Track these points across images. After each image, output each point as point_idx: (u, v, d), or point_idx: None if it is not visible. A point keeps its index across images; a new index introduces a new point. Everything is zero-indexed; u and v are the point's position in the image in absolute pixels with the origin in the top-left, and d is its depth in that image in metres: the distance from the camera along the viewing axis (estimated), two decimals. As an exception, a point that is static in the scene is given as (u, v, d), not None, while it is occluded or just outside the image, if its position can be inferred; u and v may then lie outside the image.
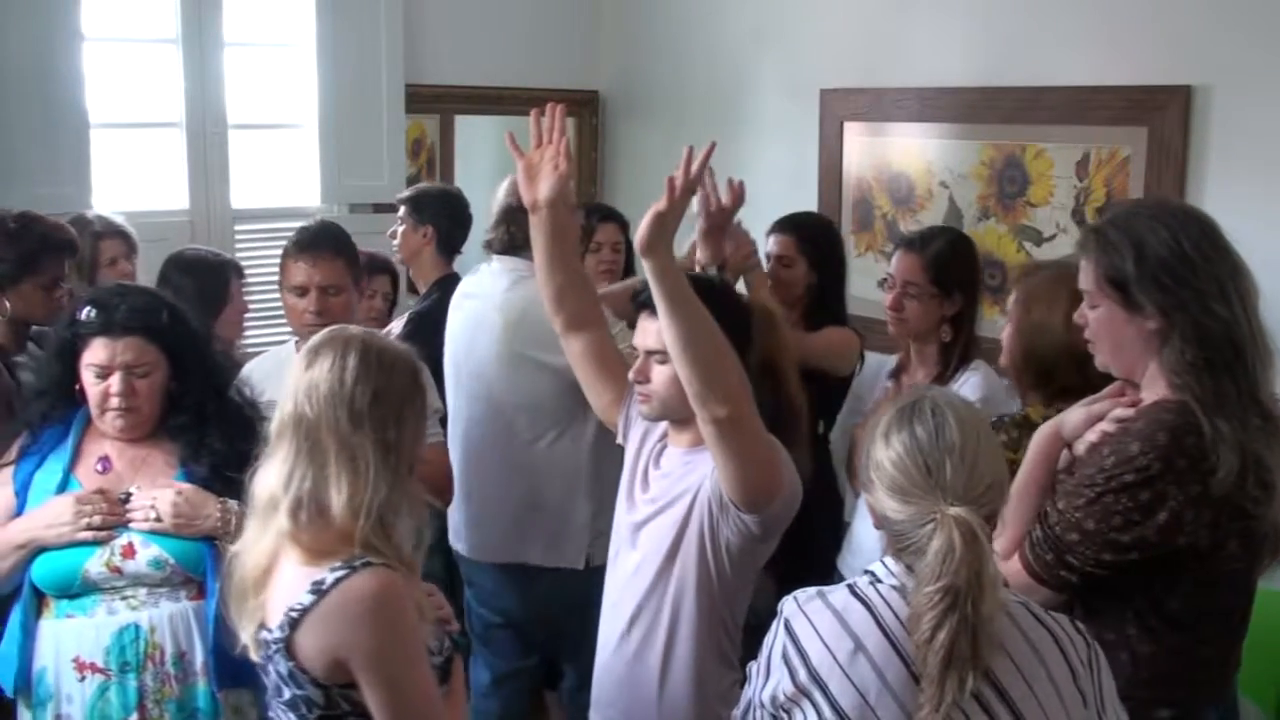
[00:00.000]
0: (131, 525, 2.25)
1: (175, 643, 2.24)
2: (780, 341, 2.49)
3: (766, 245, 3.36)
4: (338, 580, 1.75)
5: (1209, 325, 1.85)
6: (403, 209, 3.81)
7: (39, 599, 2.28)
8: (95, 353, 2.28)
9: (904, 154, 4.07)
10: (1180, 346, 1.86)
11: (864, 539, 2.84)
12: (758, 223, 3.47)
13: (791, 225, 3.33)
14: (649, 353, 2.17)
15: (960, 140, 3.88)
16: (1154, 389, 1.92)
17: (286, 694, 1.80)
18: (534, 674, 3.27)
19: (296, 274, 2.85)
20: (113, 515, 2.24)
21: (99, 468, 2.32)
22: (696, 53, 4.71)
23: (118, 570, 2.24)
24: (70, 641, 2.23)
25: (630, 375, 2.23)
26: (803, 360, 2.66)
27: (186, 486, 2.28)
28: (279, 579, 1.81)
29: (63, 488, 2.28)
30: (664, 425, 2.29)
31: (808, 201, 4.21)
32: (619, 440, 2.42)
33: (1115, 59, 3.41)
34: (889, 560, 1.69)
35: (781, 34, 4.44)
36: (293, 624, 1.76)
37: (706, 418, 1.99)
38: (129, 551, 2.24)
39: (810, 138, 4.29)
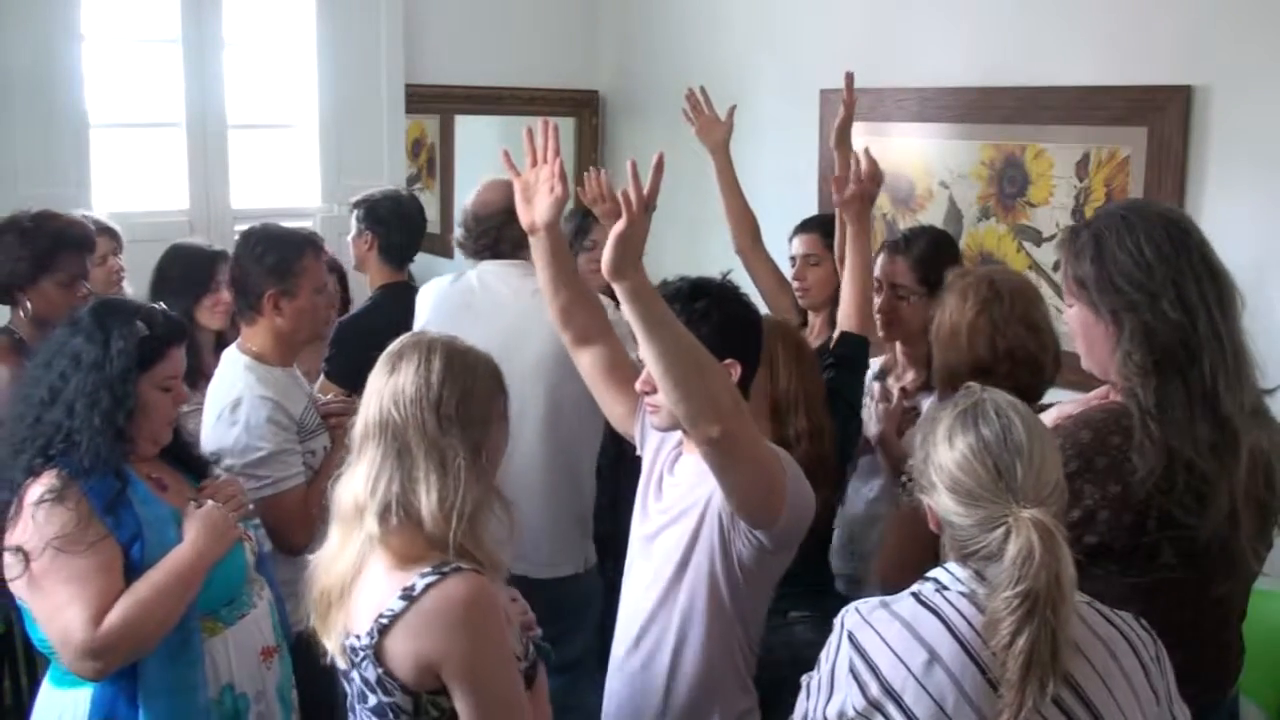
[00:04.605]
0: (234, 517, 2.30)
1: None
2: (809, 367, 2.49)
3: (790, 248, 3.35)
4: (429, 586, 1.73)
5: (1158, 328, 1.83)
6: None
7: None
8: (173, 363, 2.22)
9: (904, 154, 4.06)
10: (1128, 348, 1.84)
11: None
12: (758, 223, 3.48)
13: (816, 224, 3.33)
14: None
15: (960, 140, 3.88)
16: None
17: (372, 700, 1.77)
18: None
19: (319, 274, 2.80)
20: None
21: (161, 489, 2.23)
22: (696, 53, 4.71)
23: (257, 554, 2.35)
24: (254, 638, 2.25)
25: (637, 386, 2.15)
26: None
27: (223, 478, 2.40)
28: (365, 585, 1.80)
29: (176, 513, 2.18)
30: (679, 433, 2.20)
31: (807, 202, 4.21)
32: (638, 451, 2.36)
33: (1115, 59, 3.41)
34: (953, 566, 1.66)
35: (781, 34, 4.44)
36: (382, 630, 1.74)
37: (699, 439, 1.91)
38: (248, 538, 2.33)
39: (810, 138, 4.28)
